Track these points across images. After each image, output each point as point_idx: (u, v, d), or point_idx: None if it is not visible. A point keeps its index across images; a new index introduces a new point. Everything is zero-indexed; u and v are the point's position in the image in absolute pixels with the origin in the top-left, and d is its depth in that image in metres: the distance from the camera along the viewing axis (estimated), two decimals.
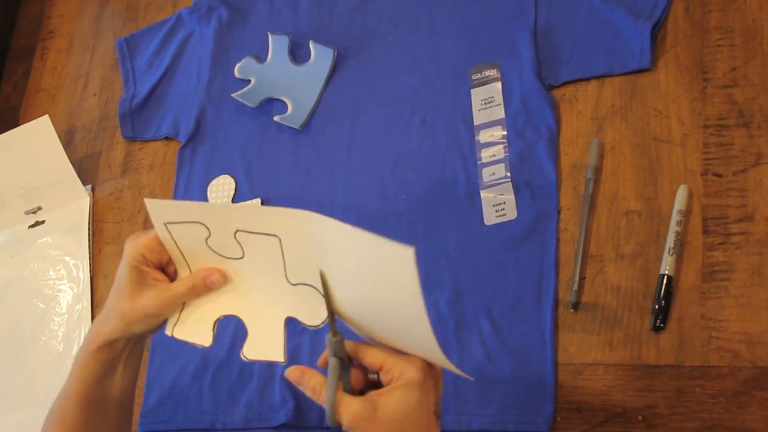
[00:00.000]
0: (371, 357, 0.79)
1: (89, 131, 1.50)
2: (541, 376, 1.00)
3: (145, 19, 1.53)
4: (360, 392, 0.79)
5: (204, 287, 0.87)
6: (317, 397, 0.79)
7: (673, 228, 0.99)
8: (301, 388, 0.81)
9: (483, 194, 1.10)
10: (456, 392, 1.03)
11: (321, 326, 0.82)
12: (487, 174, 1.11)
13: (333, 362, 0.78)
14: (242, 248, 0.84)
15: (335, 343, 0.78)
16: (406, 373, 0.77)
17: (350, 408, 0.75)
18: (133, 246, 0.87)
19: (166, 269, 0.90)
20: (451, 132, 1.16)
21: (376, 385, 0.80)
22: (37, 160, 1.45)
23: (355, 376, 0.80)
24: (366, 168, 1.20)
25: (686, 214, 0.99)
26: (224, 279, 0.87)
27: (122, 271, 0.88)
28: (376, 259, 0.72)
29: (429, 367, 0.79)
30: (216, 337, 0.90)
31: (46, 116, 1.43)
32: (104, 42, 1.56)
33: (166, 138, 1.39)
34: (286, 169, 1.26)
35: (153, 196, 1.37)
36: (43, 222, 1.47)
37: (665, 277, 0.97)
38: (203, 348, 0.90)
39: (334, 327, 0.78)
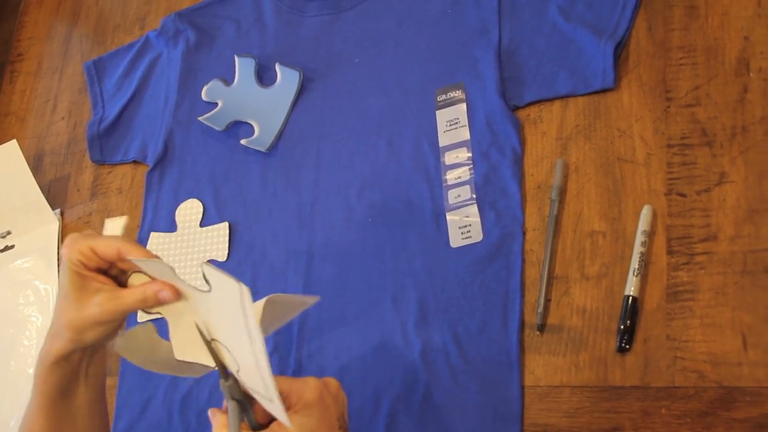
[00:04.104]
0: None
1: (58, 155, 1.49)
2: (508, 398, 1.00)
3: (113, 42, 1.53)
4: (269, 422, 0.80)
5: (155, 302, 0.82)
6: None
7: (638, 248, 0.99)
8: None
9: (449, 216, 1.10)
10: (423, 415, 1.03)
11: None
12: (452, 196, 1.11)
13: (231, 405, 0.78)
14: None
15: (229, 387, 0.79)
16: (303, 397, 0.79)
17: None
18: (71, 251, 0.82)
19: (110, 271, 0.85)
20: (417, 154, 1.16)
21: None
22: (6, 184, 1.44)
23: (260, 408, 0.81)
24: (333, 191, 1.20)
25: (650, 234, 0.99)
26: (176, 296, 0.81)
27: (64, 278, 0.83)
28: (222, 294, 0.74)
29: (324, 384, 0.81)
30: None
31: (14, 141, 1.42)
32: (72, 65, 1.56)
33: (135, 161, 1.39)
34: (254, 193, 1.25)
35: None
36: (12, 246, 1.46)
37: (630, 298, 0.97)
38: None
39: (224, 372, 0.79)
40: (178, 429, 1.18)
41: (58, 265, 1.39)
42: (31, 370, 1.33)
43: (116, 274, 0.85)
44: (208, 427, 1.15)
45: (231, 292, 0.71)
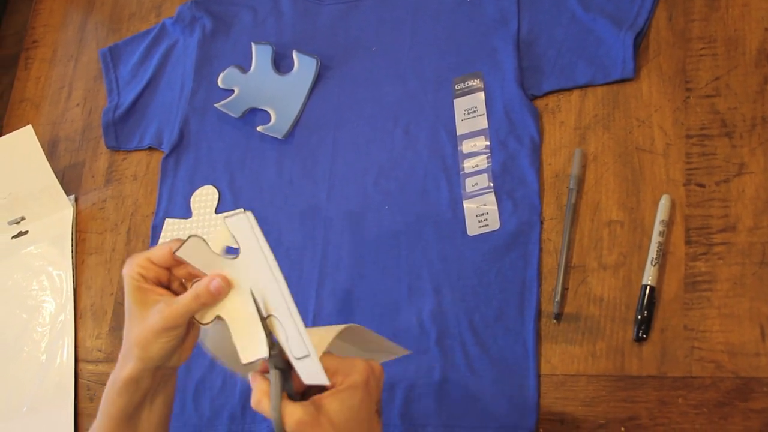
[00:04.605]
0: None
1: (73, 141, 1.49)
2: (524, 387, 1.00)
3: (128, 29, 1.53)
4: (303, 393, 0.80)
5: (209, 295, 0.83)
6: (259, 408, 0.79)
7: (656, 238, 0.98)
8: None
9: (466, 204, 1.10)
10: (439, 403, 1.03)
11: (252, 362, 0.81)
12: (469, 184, 1.11)
13: (274, 374, 0.78)
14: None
15: (274, 356, 0.79)
16: (351, 376, 0.79)
17: (294, 416, 0.76)
18: (130, 268, 0.85)
19: (171, 287, 0.87)
20: (434, 142, 1.16)
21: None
22: (21, 170, 1.44)
23: (297, 377, 0.80)
24: (349, 178, 1.20)
25: (669, 224, 0.99)
26: (226, 283, 0.82)
27: (128, 297, 0.86)
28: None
29: (371, 368, 0.81)
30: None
31: (30, 126, 1.42)
32: (87, 52, 1.56)
33: (150, 148, 1.39)
34: (270, 180, 1.25)
35: (136, 206, 1.37)
36: (26, 232, 1.47)
37: (648, 287, 0.97)
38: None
39: (271, 341, 0.79)
40: (191, 416, 1.18)
41: (72, 252, 1.39)
42: (44, 357, 1.34)
43: (177, 289, 0.87)
44: (221, 414, 1.16)
45: (244, 229, 0.74)
